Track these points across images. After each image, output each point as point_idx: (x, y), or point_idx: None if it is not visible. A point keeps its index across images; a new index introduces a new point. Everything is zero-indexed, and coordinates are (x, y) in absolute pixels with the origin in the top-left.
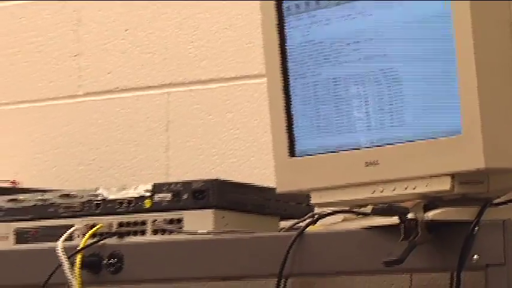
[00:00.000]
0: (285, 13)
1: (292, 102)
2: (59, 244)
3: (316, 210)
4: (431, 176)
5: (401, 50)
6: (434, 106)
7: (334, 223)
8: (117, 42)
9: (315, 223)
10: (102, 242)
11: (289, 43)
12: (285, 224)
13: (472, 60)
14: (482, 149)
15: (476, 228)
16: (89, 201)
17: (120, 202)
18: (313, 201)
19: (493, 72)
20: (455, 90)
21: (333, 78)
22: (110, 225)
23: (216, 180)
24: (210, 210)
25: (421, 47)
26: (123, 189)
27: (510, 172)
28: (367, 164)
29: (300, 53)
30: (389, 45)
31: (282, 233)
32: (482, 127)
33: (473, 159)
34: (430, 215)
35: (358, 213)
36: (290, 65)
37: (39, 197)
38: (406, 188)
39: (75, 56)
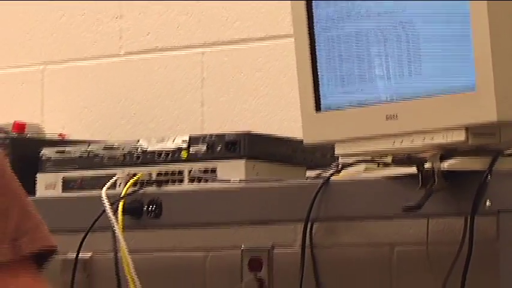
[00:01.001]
0: None
1: (318, 61)
2: (103, 192)
3: (340, 160)
4: (447, 129)
5: (421, 7)
6: (450, 64)
7: (357, 172)
8: (156, 5)
9: (339, 172)
10: (142, 190)
11: (314, 3)
12: (311, 173)
13: (486, 22)
14: (494, 104)
15: (488, 176)
16: (130, 152)
17: (159, 153)
18: (337, 152)
19: (506, 33)
20: (470, 49)
21: (355, 34)
22: (150, 174)
23: (247, 132)
24: (242, 161)
25: (439, 7)
26: (162, 141)
27: None
28: (388, 118)
29: (324, 9)
30: (409, 2)
31: (308, 182)
32: (494, 84)
33: (486, 113)
34: (446, 164)
35: (379, 163)
36: (315, 23)
37: (85, 149)
38: (423, 140)
39: (117, 18)
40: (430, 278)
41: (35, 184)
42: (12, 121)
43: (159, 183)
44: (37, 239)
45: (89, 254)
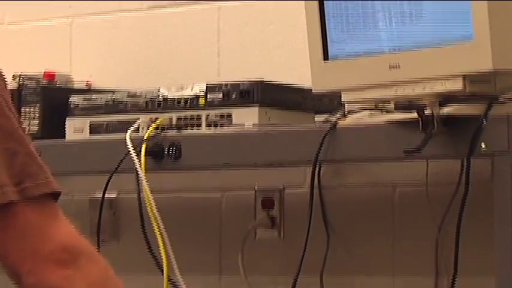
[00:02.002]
0: None
1: (326, 15)
2: (127, 136)
3: (346, 106)
4: (446, 77)
5: None
6: (449, 16)
7: (362, 118)
8: None
9: (345, 118)
10: (163, 134)
11: None
12: (319, 118)
13: None
14: (490, 53)
15: (484, 121)
16: (152, 99)
17: (179, 100)
18: (343, 98)
19: None
20: (468, 2)
21: None
22: (170, 119)
23: (260, 81)
24: (255, 107)
25: None
26: (181, 89)
27: None
28: (391, 67)
29: None
30: None
31: (316, 127)
32: (490, 34)
33: (483, 62)
34: (445, 110)
35: (383, 109)
36: None
37: (110, 96)
38: (424, 87)
39: None
40: (429, 215)
41: (64, 129)
42: (43, 71)
43: (179, 128)
44: (41, 183)
45: (114, 193)
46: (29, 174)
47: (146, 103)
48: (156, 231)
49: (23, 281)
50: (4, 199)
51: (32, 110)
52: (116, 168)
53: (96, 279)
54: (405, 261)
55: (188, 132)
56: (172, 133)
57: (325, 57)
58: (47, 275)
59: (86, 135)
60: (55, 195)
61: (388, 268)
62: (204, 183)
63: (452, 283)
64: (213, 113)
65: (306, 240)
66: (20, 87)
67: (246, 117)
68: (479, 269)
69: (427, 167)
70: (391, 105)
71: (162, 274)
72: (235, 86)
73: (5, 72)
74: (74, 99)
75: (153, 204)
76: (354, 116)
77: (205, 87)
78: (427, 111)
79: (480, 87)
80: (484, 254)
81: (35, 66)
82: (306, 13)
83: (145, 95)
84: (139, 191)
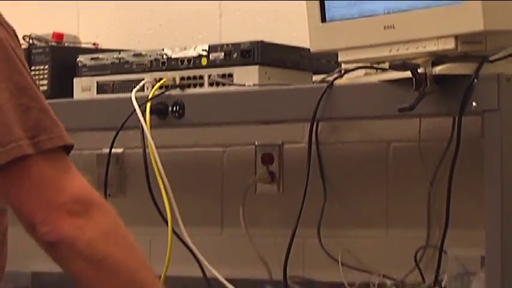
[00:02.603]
0: None
1: None
2: (133, 94)
3: (343, 66)
4: (438, 37)
5: None
6: None
7: (358, 77)
8: None
9: (342, 77)
10: (167, 92)
11: None
12: (317, 77)
13: None
14: (481, 14)
15: (475, 80)
16: (157, 59)
17: (182, 60)
18: (340, 58)
19: None
20: None
21: None
22: (174, 79)
23: (260, 41)
24: (256, 67)
25: None
26: (184, 49)
27: (504, 33)
28: (385, 28)
29: None
30: None
31: (314, 85)
32: None
33: (474, 23)
34: (437, 69)
35: (378, 69)
36: None
37: (116, 56)
38: (417, 48)
39: None
40: (422, 170)
41: (72, 88)
42: (51, 31)
43: (182, 86)
44: (54, 137)
45: (120, 149)
46: (43, 129)
47: (151, 63)
48: (161, 185)
49: (37, 230)
50: (19, 152)
51: (41, 69)
52: (122, 126)
53: (106, 228)
54: (399, 214)
55: (191, 90)
56: (176, 92)
57: (323, 18)
58: (60, 224)
59: (93, 94)
60: (68, 149)
61: (383, 220)
62: (207, 139)
63: (444, 235)
64: (215, 72)
65: (304, 194)
66: (30, 48)
67: (247, 77)
68: (469, 221)
69: (420, 124)
70: (386, 65)
71: (167, 226)
72: (236, 46)
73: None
74: (82, 59)
75: (158, 159)
76: (350, 75)
77: (207, 48)
78: (421, 71)
79: (471, 47)
80: (474, 206)
81: (44, 28)
82: None
83: (150, 55)
84: (144, 147)
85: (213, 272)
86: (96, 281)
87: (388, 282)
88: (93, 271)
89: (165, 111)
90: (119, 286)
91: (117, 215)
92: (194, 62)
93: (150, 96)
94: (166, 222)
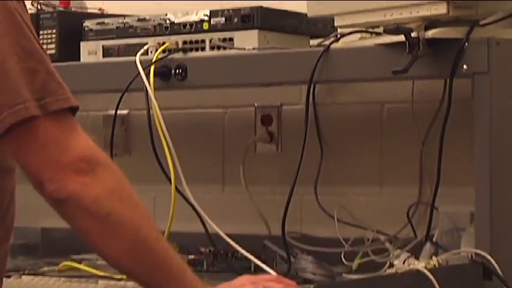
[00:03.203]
0: None
1: None
2: (137, 58)
3: (339, 30)
4: (431, 2)
5: None
6: None
7: (353, 41)
8: None
9: (338, 41)
10: (170, 56)
11: None
12: (314, 42)
13: None
14: None
15: (466, 43)
16: (160, 24)
17: (184, 24)
18: (336, 23)
19: None
20: None
21: None
22: (177, 43)
23: (260, 7)
24: (255, 31)
25: None
26: (186, 14)
27: None
28: None
29: None
30: None
31: (311, 49)
32: None
33: None
34: (430, 33)
35: (372, 33)
36: None
37: (121, 21)
38: (410, 12)
39: None
40: (415, 130)
41: (79, 51)
42: None
43: (185, 50)
44: (60, 98)
45: (126, 111)
46: (49, 91)
47: (154, 28)
48: (164, 145)
49: (45, 188)
50: (27, 113)
51: (49, 34)
52: (127, 88)
53: (112, 186)
54: (392, 172)
55: (193, 54)
56: (178, 55)
57: None
58: (66, 182)
59: (99, 58)
60: (73, 110)
61: (376, 178)
62: (208, 101)
63: (435, 192)
64: (216, 36)
65: (302, 153)
66: (38, 13)
67: (247, 41)
68: (460, 179)
69: (413, 86)
70: (380, 29)
71: (170, 184)
72: (237, 11)
73: None
74: (88, 24)
75: (162, 120)
76: (346, 39)
77: (209, 13)
78: (414, 34)
79: (463, 12)
80: (465, 165)
81: None
82: None
83: (154, 20)
84: (148, 108)
85: (215, 227)
86: (101, 236)
87: (382, 237)
88: (99, 227)
89: (168, 74)
90: (123, 241)
91: (122, 173)
92: (196, 27)
93: (153, 60)
94: (170, 181)
